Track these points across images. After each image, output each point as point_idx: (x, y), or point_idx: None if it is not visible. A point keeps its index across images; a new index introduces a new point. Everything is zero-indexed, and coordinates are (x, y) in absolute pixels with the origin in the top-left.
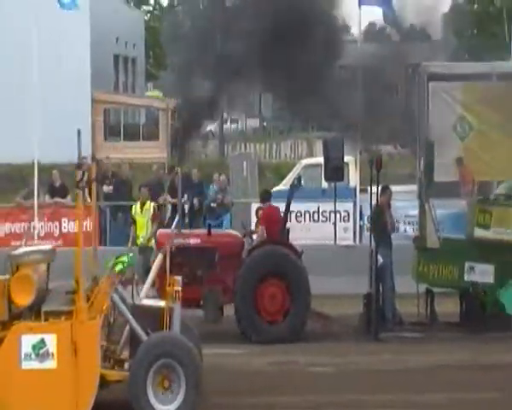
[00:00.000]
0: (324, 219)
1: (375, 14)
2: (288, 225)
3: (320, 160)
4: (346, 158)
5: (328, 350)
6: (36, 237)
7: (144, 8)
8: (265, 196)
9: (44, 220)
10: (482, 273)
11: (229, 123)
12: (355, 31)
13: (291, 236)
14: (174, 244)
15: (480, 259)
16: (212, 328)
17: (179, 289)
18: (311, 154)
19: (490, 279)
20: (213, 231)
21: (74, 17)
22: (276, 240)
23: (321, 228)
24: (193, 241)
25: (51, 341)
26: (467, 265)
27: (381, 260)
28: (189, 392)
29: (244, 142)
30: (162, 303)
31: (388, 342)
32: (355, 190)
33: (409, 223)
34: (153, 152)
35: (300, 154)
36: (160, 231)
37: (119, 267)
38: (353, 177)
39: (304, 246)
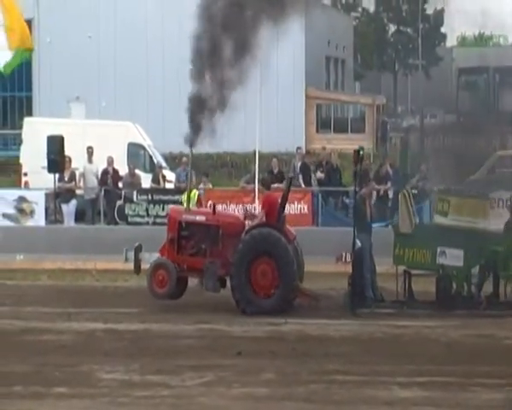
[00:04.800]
0: None
1: None
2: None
3: None
4: None
5: None
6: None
7: (353, 14)
8: (266, 185)
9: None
10: (453, 257)
11: (428, 117)
12: None
13: None
14: (184, 220)
15: (451, 244)
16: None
17: None
18: (504, 146)
19: (460, 263)
20: (218, 211)
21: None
22: (271, 224)
23: None
24: (199, 218)
25: None
26: (439, 249)
27: (359, 244)
28: None
29: (442, 134)
30: None
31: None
32: None
33: None
34: (360, 143)
35: (494, 146)
36: (173, 207)
37: None
38: None
39: None
